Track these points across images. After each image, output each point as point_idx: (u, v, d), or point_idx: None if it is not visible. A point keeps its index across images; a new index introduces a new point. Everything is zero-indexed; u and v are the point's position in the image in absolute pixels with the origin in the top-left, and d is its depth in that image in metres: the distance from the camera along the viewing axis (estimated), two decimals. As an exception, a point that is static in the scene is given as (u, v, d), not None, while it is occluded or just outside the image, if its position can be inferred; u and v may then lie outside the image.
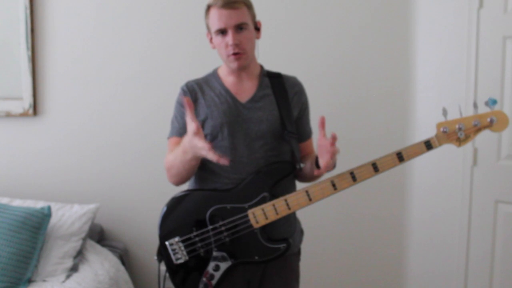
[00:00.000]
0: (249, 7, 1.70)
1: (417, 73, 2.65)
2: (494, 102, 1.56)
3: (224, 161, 1.49)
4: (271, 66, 1.83)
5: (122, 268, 2.49)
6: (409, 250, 2.75)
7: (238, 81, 1.75)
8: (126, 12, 2.67)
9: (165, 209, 1.74)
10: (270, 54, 1.91)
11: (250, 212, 1.64)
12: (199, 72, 1.85)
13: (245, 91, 1.74)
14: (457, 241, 2.49)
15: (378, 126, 2.70)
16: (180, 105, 1.76)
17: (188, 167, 1.66)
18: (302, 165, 1.73)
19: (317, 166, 1.64)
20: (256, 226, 1.64)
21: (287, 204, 1.64)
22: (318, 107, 1.86)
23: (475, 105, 1.61)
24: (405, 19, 2.65)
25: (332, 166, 1.64)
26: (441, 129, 1.60)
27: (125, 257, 2.64)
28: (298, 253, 1.86)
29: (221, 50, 1.68)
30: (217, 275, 1.67)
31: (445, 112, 1.60)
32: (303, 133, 1.82)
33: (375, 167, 1.60)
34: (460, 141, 1.60)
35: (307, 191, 1.63)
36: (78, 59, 2.69)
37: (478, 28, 2.35)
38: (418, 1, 2.61)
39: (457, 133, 1.59)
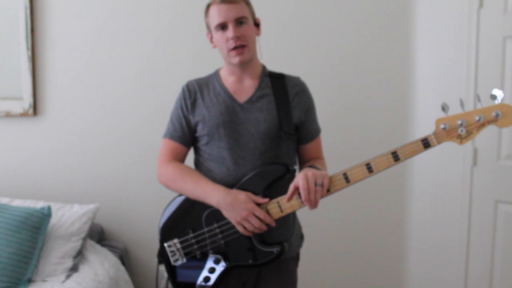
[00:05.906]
0: (248, 3, 1.71)
1: (417, 73, 2.64)
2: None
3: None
4: (272, 66, 1.83)
5: (122, 268, 2.49)
6: (409, 251, 2.75)
7: (238, 81, 1.74)
8: (126, 12, 2.67)
9: (165, 211, 1.74)
10: (271, 55, 1.91)
11: None
12: (201, 72, 1.85)
13: (244, 91, 1.73)
14: (457, 241, 2.49)
15: (379, 126, 2.70)
16: (179, 106, 1.76)
17: (191, 196, 1.68)
18: (296, 167, 1.72)
19: None
20: None
21: (279, 206, 1.61)
22: (318, 106, 1.86)
23: (479, 99, 1.46)
24: (405, 19, 2.65)
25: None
26: (441, 126, 1.47)
27: (125, 257, 2.64)
28: (296, 258, 1.84)
29: (222, 46, 1.68)
30: (213, 277, 1.67)
31: (446, 108, 1.47)
32: (307, 134, 1.79)
33: (369, 168, 1.53)
34: (461, 138, 1.46)
35: (299, 193, 1.57)
36: (78, 59, 2.68)
37: (478, 28, 2.35)
38: (418, 1, 2.61)
39: (457, 129, 1.45)
